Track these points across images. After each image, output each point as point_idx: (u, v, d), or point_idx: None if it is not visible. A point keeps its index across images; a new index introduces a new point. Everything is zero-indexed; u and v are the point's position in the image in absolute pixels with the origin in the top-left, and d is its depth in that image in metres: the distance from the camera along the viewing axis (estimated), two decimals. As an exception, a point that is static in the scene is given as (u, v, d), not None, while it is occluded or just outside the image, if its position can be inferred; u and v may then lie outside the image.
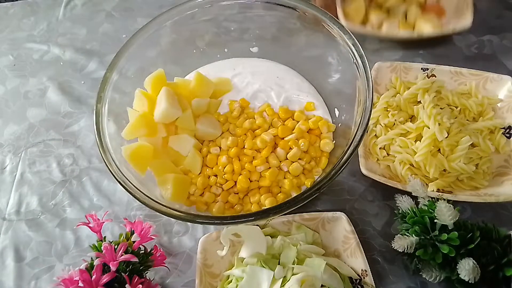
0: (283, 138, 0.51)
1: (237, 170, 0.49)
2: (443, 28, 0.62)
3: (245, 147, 0.50)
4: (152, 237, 0.45)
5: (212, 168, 0.51)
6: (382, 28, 0.61)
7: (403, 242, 0.39)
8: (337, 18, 0.47)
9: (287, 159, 0.49)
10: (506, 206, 0.49)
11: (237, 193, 0.49)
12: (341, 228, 0.45)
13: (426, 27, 0.61)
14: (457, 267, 0.37)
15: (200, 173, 0.51)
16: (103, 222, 0.45)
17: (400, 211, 0.43)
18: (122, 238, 0.45)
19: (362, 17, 0.62)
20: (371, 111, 0.41)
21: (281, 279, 0.40)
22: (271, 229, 0.46)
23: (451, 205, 0.39)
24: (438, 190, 0.47)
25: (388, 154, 0.52)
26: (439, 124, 0.50)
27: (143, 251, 0.44)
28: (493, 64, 0.62)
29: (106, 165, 0.42)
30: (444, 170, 0.49)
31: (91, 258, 0.41)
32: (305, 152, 0.50)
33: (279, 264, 0.42)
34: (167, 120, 0.49)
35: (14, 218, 0.54)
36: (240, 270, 0.41)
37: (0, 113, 0.65)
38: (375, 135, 0.54)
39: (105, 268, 0.39)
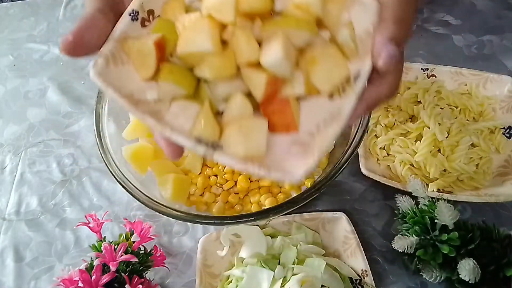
0: (283, 138, 0.51)
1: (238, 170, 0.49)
2: None
3: (245, 147, 0.50)
4: (152, 237, 0.45)
5: (212, 168, 0.51)
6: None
7: (403, 242, 0.39)
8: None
9: (287, 159, 0.49)
10: (506, 206, 0.49)
11: (237, 193, 0.49)
12: (341, 228, 0.45)
13: None
14: (457, 267, 0.37)
15: (200, 173, 0.51)
16: (103, 222, 0.45)
17: (400, 211, 0.43)
18: (122, 238, 0.45)
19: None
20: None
21: (281, 279, 0.40)
22: (271, 229, 0.46)
23: (452, 205, 0.39)
24: (438, 190, 0.47)
25: (388, 154, 0.52)
26: (439, 124, 0.50)
27: (143, 251, 0.44)
28: (493, 64, 0.62)
29: (106, 165, 0.42)
30: (444, 170, 0.49)
31: (91, 258, 0.41)
32: (305, 152, 0.50)
33: (279, 264, 0.42)
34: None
35: (14, 218, 0.54)
36: (240, 270, 0.41)
37: (0, 113, 0.65)
38: (375, 135, 0.54)
39: (105, 268, 0.39)
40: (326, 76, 0.27)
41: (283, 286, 0.39)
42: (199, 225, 0.50)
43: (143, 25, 0.29)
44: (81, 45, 0.26)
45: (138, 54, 0.28)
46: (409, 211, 0.42)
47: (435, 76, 0.57)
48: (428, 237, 0.39)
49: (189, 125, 0.27)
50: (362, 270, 0.42)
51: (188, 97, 0.28)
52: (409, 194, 0.43)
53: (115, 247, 0.41)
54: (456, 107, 0.54)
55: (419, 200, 0.42)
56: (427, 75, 0.57)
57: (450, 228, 0.38)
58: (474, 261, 0.36)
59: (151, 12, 0.30)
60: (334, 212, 0.46)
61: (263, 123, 0.27)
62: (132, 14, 0.29)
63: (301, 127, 0.28)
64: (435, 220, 0.39)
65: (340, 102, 0.27)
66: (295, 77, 0.27)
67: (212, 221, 0.39)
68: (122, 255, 0.40)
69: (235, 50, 0.27)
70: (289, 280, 0.40)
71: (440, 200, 0.40)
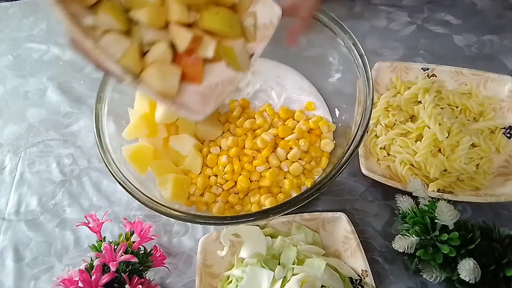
0: (283, 138, 0.50)
1: (237, 170, 0.49)
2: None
3: (246, 147, 0.50)
4: (152, 237, 0.45)
5: (212, 168, 0.50)
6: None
7: (403, 242, 0.39)
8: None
9: (287, 159, 0.49)
10: (506, 206, 0.49)
11: (237, 193, 0.49)
12: (341, 228, 0.45)
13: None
14: (457, 267, 0.37)
15: (200, 173, 0.51)
16: (103, 222, 0.45)
17: (400, 211, 0.43)
18: (121, 238, 0.45)
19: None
20: (371, 111, 0.41)
21: (281, 280, 0.40)
22: (271, 230, 0.46)
23: (452, 205, 0.39)
24: (438, 190, 0.47)
25: (388, 154, 0.52)
26: (439, 124, 0.50)
27: (142, 251, 0.44)
28: (494, 64, 0.62)
29: (106, 165, 0.42)
30: (445, 170, 0.49)
31: (91, 258, 0.41)
32: (306, 152, 0.50)
33: (279, 264, 0.42)
34: (168, 120, 0.49)
35: (14, 218, 0.54)
36: (240, 270, 0.41)
37: (-1, 113, 0.65)
38: (376, 135, 0.54)
39: (104, 268, 0.39)
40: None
41: (283, 286, 0.39)
42: (199, 225, 0.50)
43: None
44: None
45: None
46: (409, 211, 0.42)
47: (436, 76, 0.57)
48: (428, 237, 0.39)
49: (118, 55, 0.33)
50: (362, 270, 0.42)
51: (121, 33, 0.34)
52: (409, 194, 0.43)
53: (115, 247, 0.41)
54: (457, 107, 0.54)
55: (419, 200, 0.42)
56: (428, 75, 0.57)
57: (450, 228, 0.38)
58: (474, 261, 0.36)
59: None
60: (334, 212, 0.46)
61: (178, 71, 0.35)
62: None
63: (204, 82, 0.37)
64: (435, 220, 0.39)
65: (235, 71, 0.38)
66: (209, 43, 0.36)
67: (212, 221, 0.39)
68: (122, 255, 0.40)
69: (169, 9, 0.34)
70: (289, 280, 0.39)
71: (440, 200, 0.40)
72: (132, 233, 0.44)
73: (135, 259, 0.40)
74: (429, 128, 0.50)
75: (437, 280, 0.39)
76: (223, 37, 0.37)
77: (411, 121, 0.54)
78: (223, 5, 0.37)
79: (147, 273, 0.44)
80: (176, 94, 0.35)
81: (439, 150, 0.51)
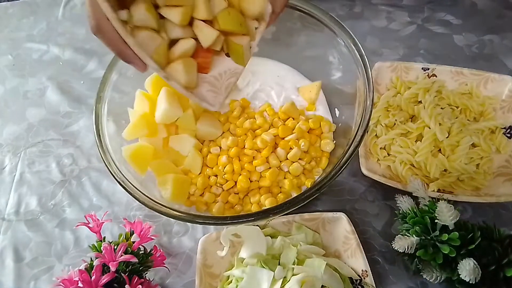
0: (283, 138, 0.50)
1: (237, 170, 0.49)
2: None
3: (246, 147, 0.50)
4: (152, 237, 0.45)
5: (212, 168, 0.50)
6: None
7: (403, 243, 0.39)
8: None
9: (287, 159, 0.49)
10: (507, 206, 0.49)
11: (237, 193, 0.49)
12: (341, 228, 0.45)
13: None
14: (457, 267, 0.37)
15: (200, 173, 0.50)
16: (103, 223, 0.45)
17: (400, 212, 0.43)
18: (121, 238, 0.45)
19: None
20: (371, 111, 0.41)
21: (281, 280, 0.40)
22: (271, 230, 0.46)
23: (452, 205, 0.39)
24: (438, 190, 0.47)
25: (388, 154, 0.52)
26: (440, 124, 0.50)
27: (142, 252, 0.44)
28: (494, 64, 0.62)
29: (106, 165, 0.42)
30: (445, 170, 0.49)
31: (91, 259, 0.41)
32: (306, 152, 0.50)
33: (279, 264, 0.42)
34: (168, 121, 0.49)
35: (14, 218, 0.54)
36: (240, 271, 0.41)
37: (-1, 113, 0.65)
38: (376, 135, 0.54)
39: (104, 268, 0.39)
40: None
41: (283, 287, 0.39)
42: (199, 225, 0.50)
43: None
44: None
45: None
46: (409, 211, 0.41)
47: (436, 76, 0.57)
48: (429, 237, 0.39)
49: (151, 51, 0.36)
50: (362, 270, 0.42)
51: (153, 31, 0.36)
52: (409, 194, 0.43)
53: (115, 247, 0.41)
54: (457, 107, 0.54)
55: (419, 200, 0.42)
56: (428, 75, 0.57)
57: (450, 228, 0.38)
58: (474, 261, 0.36)
59: None
60: (334, 212, 0.46)
61: (195, 63, 0.39)
62: None
63: (210, 72, 0.41)
64: (436, 220, 0.39)
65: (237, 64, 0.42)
66: (219, 38, 0.39)
67: (212, 221, 0.38)
68: (121, 255, 0.40)
69: (197, 7, 0.37)
70: (289, 280, 0.39)
71: (440, 200, 0.40)
72: (132, 233, 0.44)
73: (135, 259, 0.40)
74: (429, 128, 0.50)
75: (437, 280, 0.39)
76: (231, 34, 0.40)
77: (411, 121, 0.54)
78: (232, 5, 0.40)
79: (147, 273, 0.44)
80: (196, 86, 0.40)
81: (439, 150, 0.50)
